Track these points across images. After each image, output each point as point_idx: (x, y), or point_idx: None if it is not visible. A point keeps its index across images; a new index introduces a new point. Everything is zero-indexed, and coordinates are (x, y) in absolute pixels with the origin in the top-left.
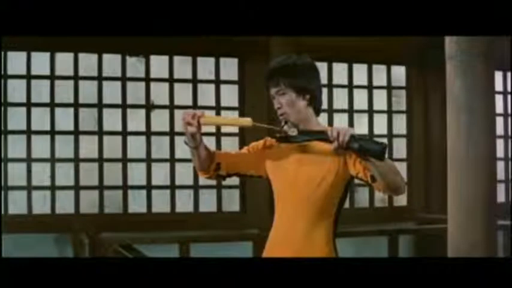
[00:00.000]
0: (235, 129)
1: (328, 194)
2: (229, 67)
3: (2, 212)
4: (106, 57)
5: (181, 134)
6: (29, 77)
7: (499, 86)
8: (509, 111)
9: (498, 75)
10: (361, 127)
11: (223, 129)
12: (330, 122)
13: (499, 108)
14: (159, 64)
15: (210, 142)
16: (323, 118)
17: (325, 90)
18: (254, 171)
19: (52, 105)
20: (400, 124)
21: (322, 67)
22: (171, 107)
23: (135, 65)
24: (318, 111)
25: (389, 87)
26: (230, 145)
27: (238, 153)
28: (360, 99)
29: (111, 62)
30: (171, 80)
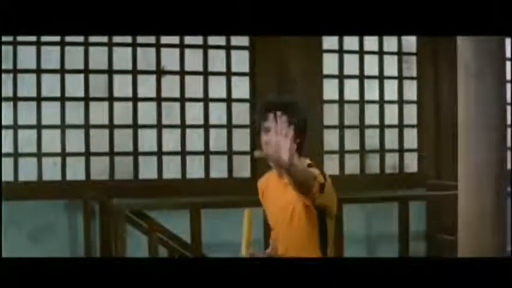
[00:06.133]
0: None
1: (302, 226)
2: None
3: (13, 179)
4: None
5: (192, 100)
6: (38, 43)
7: (509, 52)
8: None
9: (509, 42)
10: (371, 93)
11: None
12: (341, 89)
13: (509, 74)
14: None
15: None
16: (333, 85)
17: (335, 56)
18: None
19: (62, 71)
20: (411, 90)
21: None
22: (182, 72)
23: None
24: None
25: (400, 54)
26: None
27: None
28: (371, 65)
29: None
30: (181, 46)
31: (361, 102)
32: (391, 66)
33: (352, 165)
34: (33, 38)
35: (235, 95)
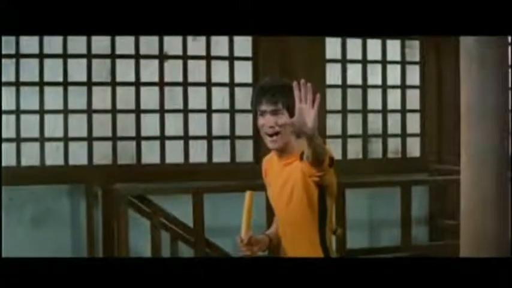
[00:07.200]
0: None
1: (299, 209)
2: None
3: (15, 164)
4: None
5: (194, 84)
6: None
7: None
8: None
9: None
10: (374, 78)
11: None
12: (344, 73)
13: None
14: None
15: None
16: (336, 69)
17: (338, 41)
18: None
19: (65, 56)
20: (414, 75)
21: None
22: (185, 57)
23: None
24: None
25: (402, 38)
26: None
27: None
28: (374, 50)
29: None
30: None
31: (364, 87)
32: (393, 51)
33: (354, 149)
34: None
35: (237, 79)
